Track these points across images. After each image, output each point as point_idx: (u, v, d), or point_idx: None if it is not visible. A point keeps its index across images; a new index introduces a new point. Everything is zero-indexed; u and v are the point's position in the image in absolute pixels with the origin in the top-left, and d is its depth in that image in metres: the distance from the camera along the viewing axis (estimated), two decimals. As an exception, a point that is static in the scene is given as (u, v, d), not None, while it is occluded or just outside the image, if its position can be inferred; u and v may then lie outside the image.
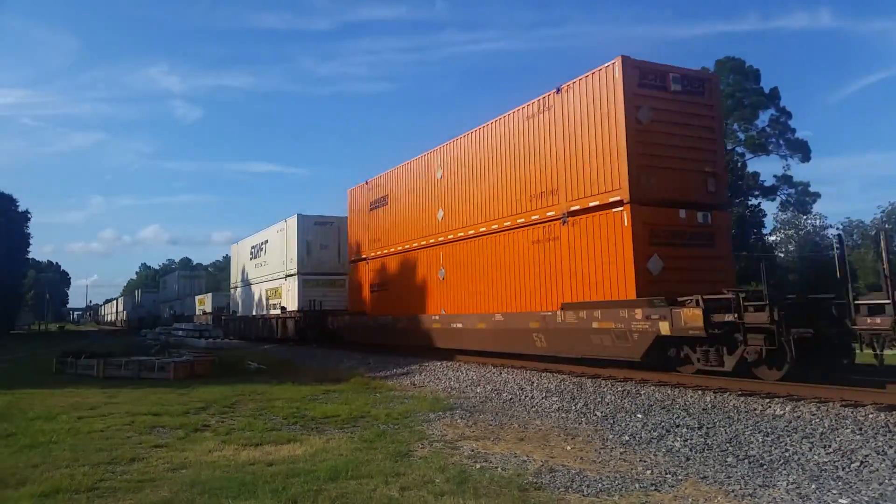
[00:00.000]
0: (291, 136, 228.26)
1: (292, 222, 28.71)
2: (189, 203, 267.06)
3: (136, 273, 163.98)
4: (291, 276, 28.58)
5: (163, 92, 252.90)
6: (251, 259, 36.06)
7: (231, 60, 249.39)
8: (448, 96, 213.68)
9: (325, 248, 28.23)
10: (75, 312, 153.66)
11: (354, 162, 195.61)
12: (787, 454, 6.89)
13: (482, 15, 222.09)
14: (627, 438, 8.09)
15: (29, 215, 56.77)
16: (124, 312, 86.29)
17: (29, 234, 57.63)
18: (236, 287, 39.38)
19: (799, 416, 8.27)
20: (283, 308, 29.32)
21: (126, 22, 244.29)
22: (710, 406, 9.35)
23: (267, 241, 32.98)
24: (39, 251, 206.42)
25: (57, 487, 6.10)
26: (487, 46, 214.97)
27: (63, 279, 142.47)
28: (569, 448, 7.66)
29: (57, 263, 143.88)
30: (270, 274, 31.89)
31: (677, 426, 8.40)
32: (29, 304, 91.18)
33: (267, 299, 32.54)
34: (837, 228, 46.54)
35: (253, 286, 35.23)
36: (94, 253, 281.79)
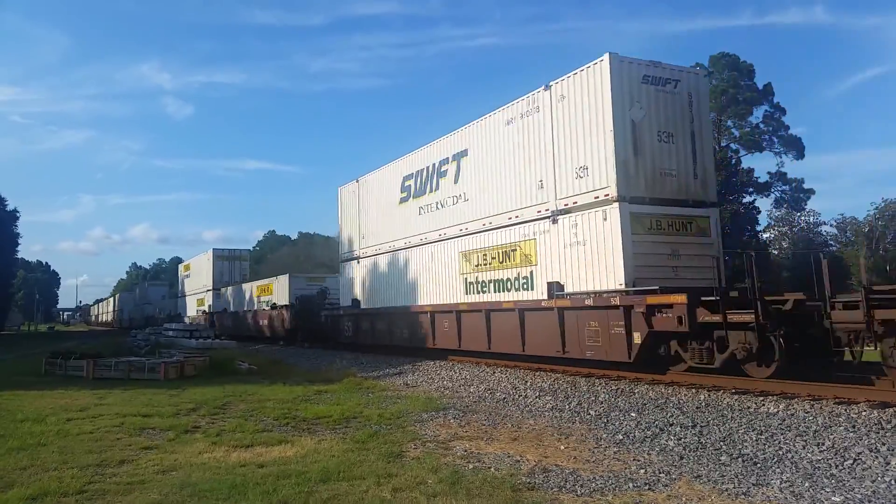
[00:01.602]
0: (284, 133, 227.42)
1: (594, 74, 12.53)
2: (179, 201, 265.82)
3: (127, 272, 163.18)
4: (590, 207, 12.55)
5: (154, 89, 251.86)
6: (407, 200, 19.67)
7: (223, 57, 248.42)
8: (443, 92, 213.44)
9: (667, 141, 12.69)
10: (65, 313, 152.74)
11: (348, 160, 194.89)
12: (780, 452, 6.89)
13: (476, 10, 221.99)
14: (621, 437, 8.07)
15: (17, 214, 56.35)
16: (121, 312, 79.67)
17: (18, 233, 57.20)
18: (359, 259, 23.07)
19: (792, 414, 8.27)
20: (555, 286, 13.19)
21: (117, 18, 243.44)
22: (703, 404, 9.35)
23: (465, 154, 16.72)
24: (28, 251, 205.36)
25: (45, 490, 6.03)
26: (482, 42, 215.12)
27: (53, 279, 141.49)
28: (562, 447, 7.63)
29: (46, 263, 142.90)
30: (487, 216, 15.65)
31: (671, 425, 8.39)
32: (18, 305, 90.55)
33: (481, 272, 15.81)
34: (831, 225, 46.43)
35: (416, 250, 18.92)
36: (84, 252, 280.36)
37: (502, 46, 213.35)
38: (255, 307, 36.21)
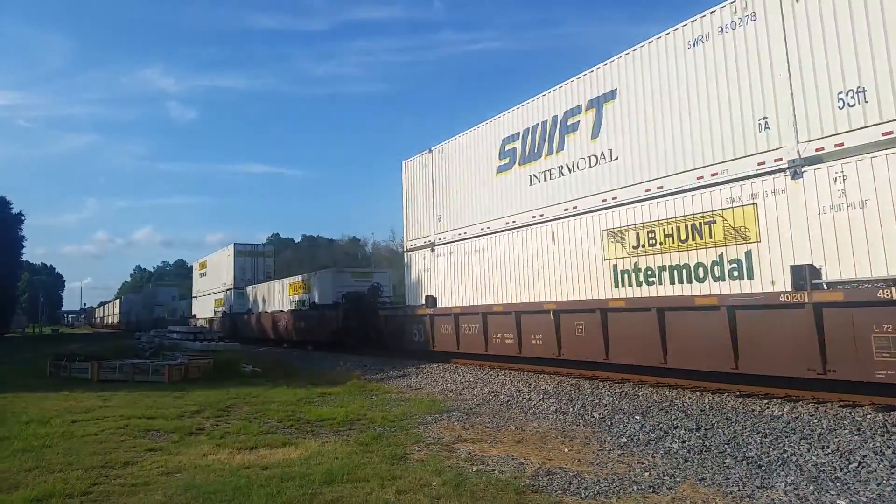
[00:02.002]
0: (287, 137, 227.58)
1: None
2: (183, 205, 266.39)
3: (131, 275, 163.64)
4: (876, 148, 8.48)
5: (158, 93, 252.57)
6: (510, 167, 15.67)
7: (226, 61, 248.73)
8: (445, 97, 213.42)
9: None
10: (69, 315, 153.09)
11: (351, 163, 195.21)
12: (785, 455, 6.87)
13: (479, 15, 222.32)
14: (625, 440, 8.06)
15: (22, 217, 56.54)
16: (127, 314, 79.27)
17: (22, 236, 57.41)
18: (434, 247, 18.90)
19: (797, 417, 8.25)
20: (807, 270, 9.14)
21: (121, 23, 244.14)
22: (708, 407, 9.33)
23: (611, 96, 12.72)
24: (33, 253, 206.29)
25: (50, 492, 6.06)
26: (485, 46, 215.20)
27: (57, 282, 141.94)
28: (566, 450, 7.62)
29: (51, 266, 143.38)
30: (654, 179, 11.73)
31: (675, 428, 8.37)
32: (23, 307, 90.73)
33: (644, 256, 11.81)
34: None
35: (527, 231, 14.95)
36: (88, 255, 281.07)
37: (505, 51, 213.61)
38: (288, 307, 32.04)
